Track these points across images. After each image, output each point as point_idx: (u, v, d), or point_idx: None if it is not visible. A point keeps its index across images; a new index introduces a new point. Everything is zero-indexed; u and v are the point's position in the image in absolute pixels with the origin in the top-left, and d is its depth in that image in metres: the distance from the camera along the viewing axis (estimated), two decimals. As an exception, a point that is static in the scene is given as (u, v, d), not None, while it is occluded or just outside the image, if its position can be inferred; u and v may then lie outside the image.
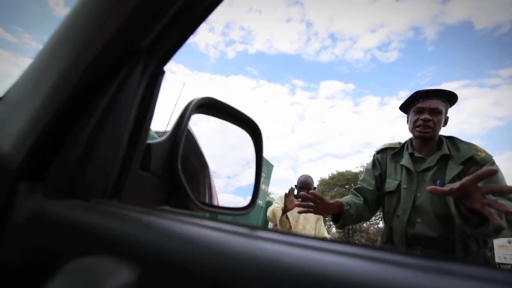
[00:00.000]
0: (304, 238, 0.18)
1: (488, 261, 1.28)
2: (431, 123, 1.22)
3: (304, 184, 2.43)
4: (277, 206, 2.40)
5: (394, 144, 1.42)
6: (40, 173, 0.32)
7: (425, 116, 1.22)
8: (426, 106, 1.23)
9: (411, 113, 1.30)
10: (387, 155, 1.40)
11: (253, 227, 0.22)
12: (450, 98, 1.26)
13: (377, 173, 1.41)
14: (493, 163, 1.12)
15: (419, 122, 1.24)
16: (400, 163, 1.32)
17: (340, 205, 1.26)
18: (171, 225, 0.21)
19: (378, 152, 1.46)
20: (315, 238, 0.18)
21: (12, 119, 0.36)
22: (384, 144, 1.46)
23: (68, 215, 0.27)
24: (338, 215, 1.29)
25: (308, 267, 0.15)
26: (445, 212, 1.11)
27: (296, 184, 2.51)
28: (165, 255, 0.19)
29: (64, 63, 0.34)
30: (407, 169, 1.27)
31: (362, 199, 1.36)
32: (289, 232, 0.20)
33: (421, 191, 1.21)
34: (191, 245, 0.18)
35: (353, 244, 0.17)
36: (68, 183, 0.31)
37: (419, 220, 1.18)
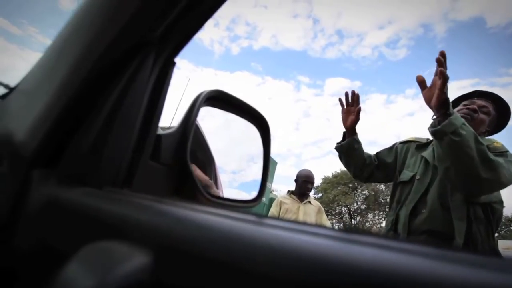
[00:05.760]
0: (313, 226, 0.19)
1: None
2: (475, 115, 1.23)
3: (306, 178, 2.45)
4: (273, 211, 2.46)
5: (421, 138, 1.44)
6: (54, 162, 0.33)
7: (473, 106, 1.24)
8: (478, 102, 1.27)
9: (461, 106, 1.31)
10: (410, 147, 1.41)
11: (262, 216, 0.22)
12: (503, 111, 1.29)
13: (387, 159, 1.45)
14: (506, 151, 1.13)
15: (464, 110, 1.25)
16: (422, 154, 1.33)
17: (354, 130, 1.38)
18: (183, 212, 0.22)
19: (401, 142, 1.49)
20: (323, 226, 0.19)
21: (26, 108, 0.36)
22: (410, 137, 1.48)
23: (81, 202, 0.28)
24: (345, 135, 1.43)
25: (319, 253, 0.15)
26: (453, 205, 1.12)
27: (295, 178, 2.53)
28: (179, 241, 0.19)
29: (77, 54, 0.34)
30: (426, 160, 1.28)
31: (366, 156, 1.45)
32: (297, 221, 0.20)
33: (435, 184, 1.22)
34: (204, 231, 0.19)
35: (357, 231, 0.17)
36: (81, 171, 0.32)
37: (424, 211, 1.19)
